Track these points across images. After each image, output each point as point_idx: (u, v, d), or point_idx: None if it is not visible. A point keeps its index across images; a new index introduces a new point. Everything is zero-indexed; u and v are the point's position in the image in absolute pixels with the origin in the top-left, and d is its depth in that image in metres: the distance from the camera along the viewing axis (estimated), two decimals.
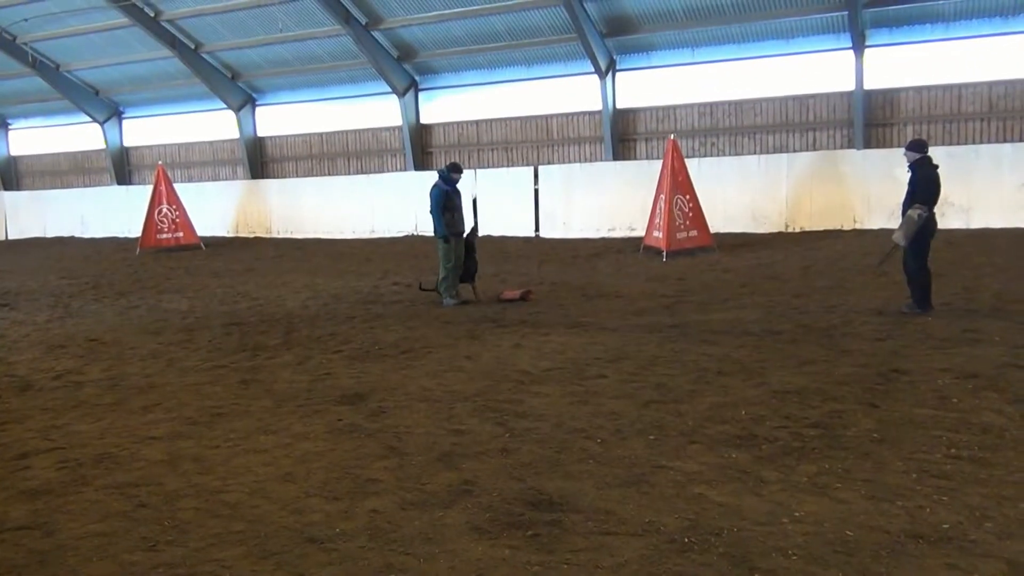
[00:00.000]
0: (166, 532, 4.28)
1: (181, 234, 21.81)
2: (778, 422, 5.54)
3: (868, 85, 17.50)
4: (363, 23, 20.74)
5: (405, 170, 22.75)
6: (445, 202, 11.01)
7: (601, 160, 20.35)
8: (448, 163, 11.74)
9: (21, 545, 4.21)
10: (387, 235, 21.77)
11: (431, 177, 21.34)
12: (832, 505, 4.23)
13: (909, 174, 8.90)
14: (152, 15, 22.28)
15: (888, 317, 8.83)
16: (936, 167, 8.85)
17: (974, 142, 16.86)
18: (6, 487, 5.04)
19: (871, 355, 7.22)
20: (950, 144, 16.97)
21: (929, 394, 6.01)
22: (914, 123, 17.44)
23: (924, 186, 8.67)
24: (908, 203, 8.76)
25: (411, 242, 20.20)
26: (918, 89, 17.35)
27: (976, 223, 16.00)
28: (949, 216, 16.23)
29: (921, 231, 8.69)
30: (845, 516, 4.09)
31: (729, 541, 3.88)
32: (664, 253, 15.01)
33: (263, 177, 25.20)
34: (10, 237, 28.83)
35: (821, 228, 17.11)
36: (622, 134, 20.23)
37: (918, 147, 8.90)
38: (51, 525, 4.44)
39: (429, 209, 11.15)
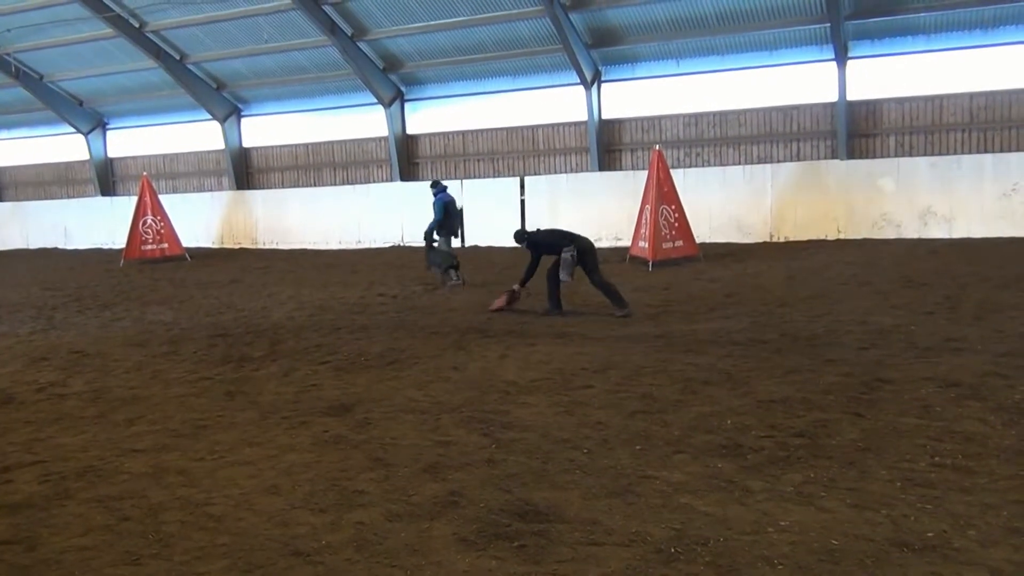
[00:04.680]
0: (150, 545, 4.25)
1: (166, 245, 21.63)
2: (763, 431, 5.56)
3: (851, 96, 17.65)
4: (348, 34, 20.76)
5: (391, 181, 22.74)
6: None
7: (587, 171, 20.41)
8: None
9: (3, 560, 4.17)
10: (373, 246, 21.75)
11: (417, 188, 21.80)
12: (817, 514, 4.25)
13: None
14: (137, 26, 22.20)
15: (872, 327, 8.89)
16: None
17: (956, 152, 17.03)
18: None
19: (855, 364, 7.27)
20: (932, 154, 17.14)
21: (913, 403, 6.05)
22: (896, 133, 17.61)
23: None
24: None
25: (397, 253, 20.18)
26: (900, 100, 17.52)
27: (958, 232, 16.17)
28: (932, 226, 16.44)
29: (537, 247, 11.00)
30: (830, 525, 4.11)
31: (715, 550, 3.89)
32: (650, 263, 15.06)
33: (248, 188, 25.11)
34: None
35: (805, 238, 17.23)
36: (608, 144, 20.32)
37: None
38: (33, 539, 4.40)
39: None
